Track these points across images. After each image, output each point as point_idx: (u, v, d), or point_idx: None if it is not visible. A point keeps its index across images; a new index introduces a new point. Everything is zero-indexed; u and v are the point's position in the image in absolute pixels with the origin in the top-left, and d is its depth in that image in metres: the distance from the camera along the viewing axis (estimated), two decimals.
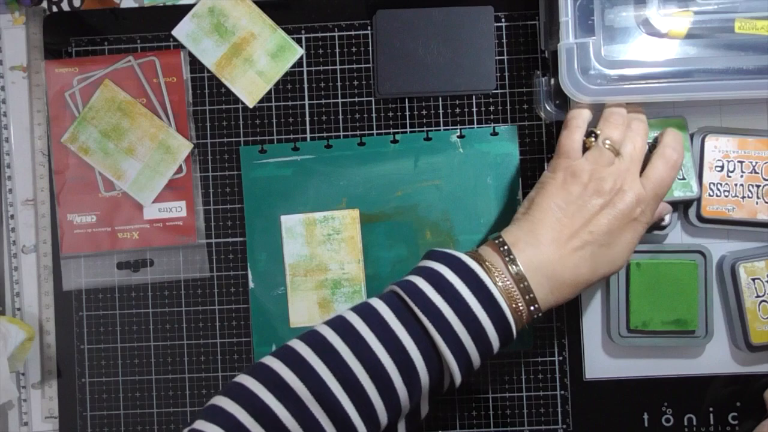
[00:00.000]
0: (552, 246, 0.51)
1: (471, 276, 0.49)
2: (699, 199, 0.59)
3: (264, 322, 0.62)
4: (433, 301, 0.49)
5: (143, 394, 0.63)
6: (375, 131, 0.63)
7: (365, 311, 0.50)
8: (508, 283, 0.50)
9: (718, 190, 0.59)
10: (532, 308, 0.50)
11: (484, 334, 0.49)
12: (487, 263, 0.51)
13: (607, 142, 0.53)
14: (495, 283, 0.49)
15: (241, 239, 0.63)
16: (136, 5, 0.64)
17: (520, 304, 0.50)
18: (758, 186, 0.59)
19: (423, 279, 0.50)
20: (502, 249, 0.51)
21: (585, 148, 0.54)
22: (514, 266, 0.50)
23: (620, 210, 0.51)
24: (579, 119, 0.55)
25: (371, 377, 0.47)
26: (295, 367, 0.47)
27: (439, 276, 0.50)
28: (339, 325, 0.49)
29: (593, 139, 0.54)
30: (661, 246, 0.60)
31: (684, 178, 0.59)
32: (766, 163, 0.59)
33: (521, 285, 0.50)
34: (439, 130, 0.62)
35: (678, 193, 0.58)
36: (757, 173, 0.59)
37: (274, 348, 0.62)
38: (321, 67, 0.63)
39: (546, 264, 0.51)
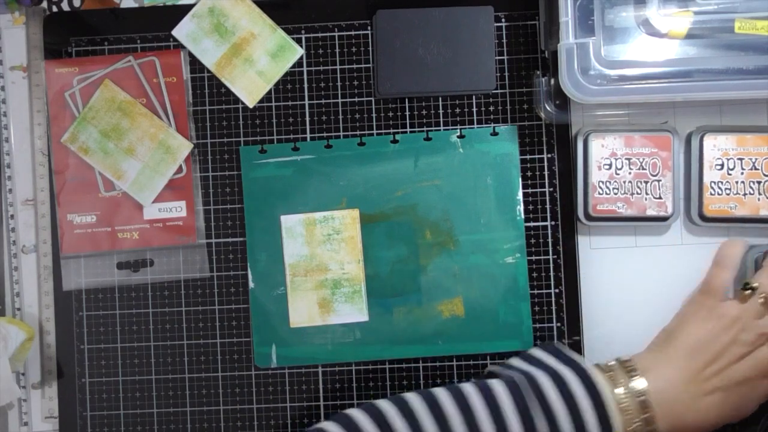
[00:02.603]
0: (683, 385, 0.50)
1: (593, 389, 0.49)
2: (701, 199, 0.59)
3: (264, 322, 0.62)
4: (551, 402, 0.48)
5: (143, 394, 0.63)
6: (375, 131, 0.63)
7: (485, 390, 0.49)
8: (632, 413, 0.49)
9: (720, 188, 0.59)
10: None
11: None
12: (613, 379, 0.50)
13: (763, 296, 0.53)
14: (615, 403, 0.49)
15: (241, 239, 0.63)
16: (136, 5, 0.64)
17: (637, 426, 0.49)
18: (759, 182, 0.59)
19: (544, 374, 0.50)
20: (628, 370, 0.50)
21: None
22: (640, 395, 0.49)
23: (760, 361, 0.51)
24: (731, 258, 0.55)
25: None
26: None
27: (562, 378, 0.49)
28: (457, 395, 0.49)
29: (749, 293, 0.53)
30: None
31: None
32: (765, 159, 0.59)
33: (645, 415, 0.49)
34: (439, 130, 0.62)
35: (651, 212, 0.58)
36: (758, 169, 0.59)
37: (274, 348, 0.62)
38: (321, 67, 0.63)
39: (674, 401, 0.50)
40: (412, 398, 0.49)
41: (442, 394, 0.49)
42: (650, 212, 0.59)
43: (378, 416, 0.48)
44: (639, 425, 0.49)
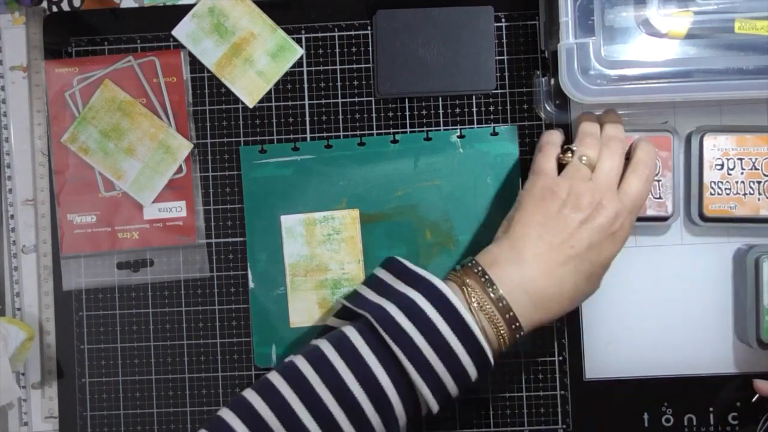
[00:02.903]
0: (535, 262, 0.51)
1: (444, 303, 0.49)
2: (701, 199, 0.59)
3: (264, 322, 0.62)
4: (406, 331, 0.49)
5: (143, 394, 0.63)
6: (375, 131, 0.63)
7: (338, 340, 0.50)
8: (487, 306, 0.50)
9: (720, 188, 0.59)
10: (513, 327, 0.50)
11: (459, 363, 0.49)
12: (464, 287, 0.51)
13: (584, 158, 0.54)
14: (470, 309, 0.49)
15: (241, 239, 0.63)
16: (136, 5, 0.64)
17: (500, 326, 0.50)
18: (759, 182, 0.59)
19: (396, 307, 0.50)
20: (476, 271, 0.51)
21: (560, 167, 0.55)
22: (490, 287, 0.50)
23: (599, 224, 0.52)
24: (552, 141, 0.57)
25: (341, 407, 0.48)
26: (268, 398, 0.48)
27: (412, 304, 0.50)
28: (312, 354, 0.50)
29: (570, 155, 0.55)
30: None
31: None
32: (765, 159, 0.59)
33: (500, 304, 0.50)
34: (439, 130, 0.62)
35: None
36: (758, 169, 0.59)
37: (274, 348, 0.62)
38: (321, 67, 0.63)
39: (528, 281, 0.51)
40: (276, 378, 0.50)
41: (302, 362, 0.49)
42: (650, 212, 0.59)
43: (250, 410, 0.48)
44: (497, 318, 0.50)
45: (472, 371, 0.49)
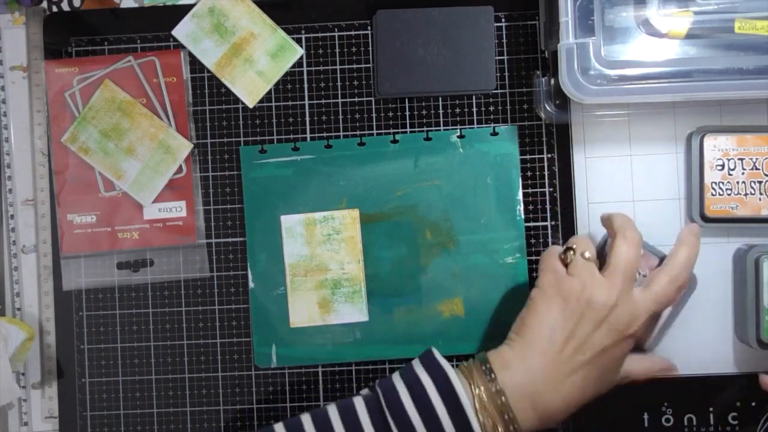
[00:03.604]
0: (545, 373, 0.50)
1: (452, 396, 0.49)
2: (702, 200, 0.59)
3: (264, 322, 0.62)
4: (409, 415, 0.48)
5: (143, 394, 0.63)
6: (375, 131, 0.63)
7: (344, 405, 0.50)
8: (489, 406, 0.49)
9: (720, 189, 0.59)
10: (510, 428, 0.49)
11: None
12: (471, 380, 0.50)
13: (586, 254, 0.53)
14: (473, 401, 0.49)
15: (241, 239, 0.63)
16: (136, 5, 0.64)
17: (497, 425, 0.49)
18: (760, 182, 0.59)
19: (405, 388, 0.50)
20: (484, 369, 0.51)
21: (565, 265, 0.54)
22: (495, 389, 0.50)
23: (615, 327, 0.50)
24: (551, 249, 0.55)
25: None
26: None
27: (422, 389, 0.49)
28: (320, 419, 0.50)
29: (572, 253, 0.53)
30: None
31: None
32: (766, 158, 0.59)
33: (501, 406, 0.49)
34: (439, 130, 0.62)
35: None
36: (758, 169, 0.59)
37: (274, 348, 0.62)
38: (321, 67, 0.63)
39: (535, 393, 0.50)
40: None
41: (306, 421, 0.50)
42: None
43: None
44: (501, 427, 0.49)
45: None
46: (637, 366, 0.55)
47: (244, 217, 0.63)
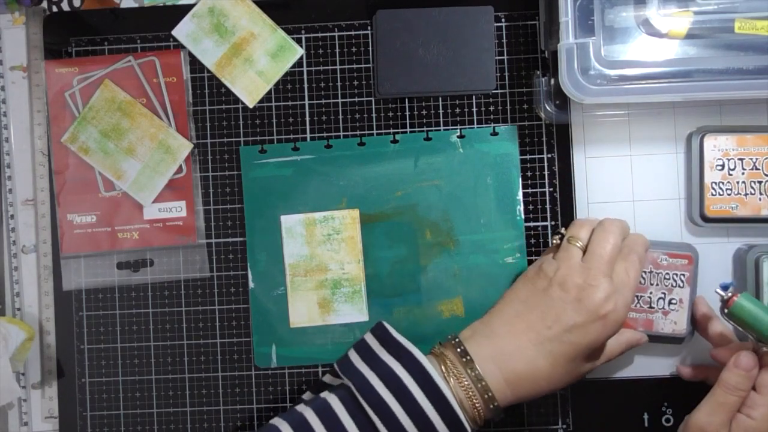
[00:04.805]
0: (507, 337, 0.51)
1: (424, 375, 0.49)
2: (702, 200, 0.59)
3: (264, 322, 0.62)
4: (385, 401, 0.49)
5: (143, 394, 0.63)
6: (375, 131, 0.63)
7: (321, 408, 0.50)
8: (463, 378, 0.50)
9: (720, 188, 0.59)
10: (486, 397, 0.50)
11: None
12: (444, 359, 0.51)
13: (576, 241, 0.54)
14: (450, 385, 0.50)
15: (241, 239, 0.63)
16: (136, 5, 0.64)
17: (477, 403, 0.50)
18: (760, 182, 0.59)
19: (377, 377, 0.50)
20: (454, 343, 0.52)
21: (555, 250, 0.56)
22: (465, 358, 0.51)
23: (586, 306, 0.51)
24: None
25: None
26: None
27: (393, 375, 0.50)
28: (296, 422, 0.50)
29: (558, 237, 0.56)
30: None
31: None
32: (766, 158, 0.59)
33: (479, 385, 0.50)
34: (439, 130, 0.62)
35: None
36: (758, 169, 0.59)
37: (274, 348, 0.62)
38: (321, 67, 0.63)
39: (498, 354, 0.51)
40: None
41: (284, 427, 0.50)
42: (665, 331, 0.59)
43: None
44: (475, 396, 0.50)
45: None
46: (612, 343, 0.55)
47: (244, 217, 0.63)
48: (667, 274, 0.58)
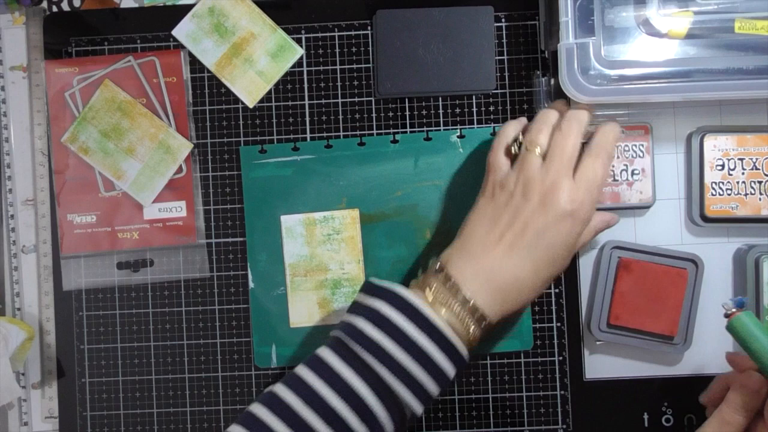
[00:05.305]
0: (483, 255, 0.51)
1: (408, 306, 0.50)
2: (702, 200, 0.59)
3: (264, 322, 0.62)
4: (375, 339, 0.49)
5: (143, 394, 0.63)
6: (375, 131, 0.63)
7: (312, 361, 0.50)
8: (450, 302, 0.50)
9: (721, 188, 0.59)
10: (476, 315, 0.50)
11: (433, 363, 0.49)
12: (426, 287, 0.51)
13: (535, 147, 0.53)
14: (437, 311, 0.50)
15: (241, 239, 0.63)
16: (136, 5, 0.64)
17: (465, 318, 0.50)
18: (760, 182, 0.59)
19: (363, 318, 0.50)
20: (438, 275, 0.52)
21: (514, 159, 0.54)
22: (455, 290, 0.51)
23: (552, 206, 0.51)
24: (501, 137, 0.56)
25: (328, 423, 0.48)
26: (254, 428, 0.48)
27: (378, 313, 0.50)
28: (290, 379, 0.50)
29: (517, 145, 0.54)
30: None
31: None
32: (766, 158, 0.59)
33: (467, 306, 0.50)
34: (439, 130, 0.62)
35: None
36: (758, 169, 0.59)
37: (274, 348, 0.62)
38: (321, 67, 0.63)
39: (480, 271, 0.51)
40: (259, 409, 0.50)
41: (281, 389, 0.50)
42: (632, 201, 0.59)
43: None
44: (465, 316, 0.50)
45: (448, 368, 0.50)
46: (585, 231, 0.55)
47: (244, 217, 0.63)
48: (626, 146, 0.59)
